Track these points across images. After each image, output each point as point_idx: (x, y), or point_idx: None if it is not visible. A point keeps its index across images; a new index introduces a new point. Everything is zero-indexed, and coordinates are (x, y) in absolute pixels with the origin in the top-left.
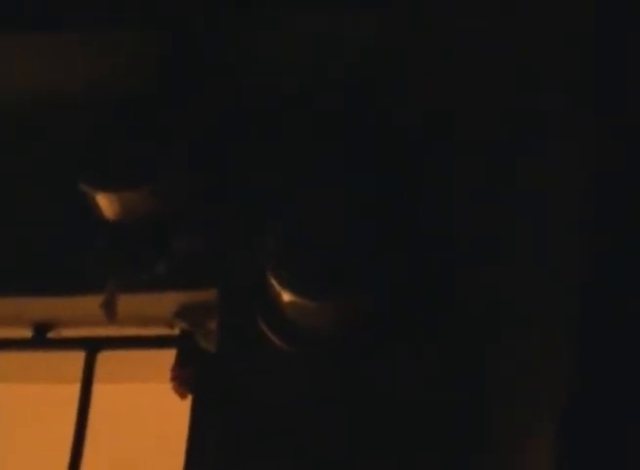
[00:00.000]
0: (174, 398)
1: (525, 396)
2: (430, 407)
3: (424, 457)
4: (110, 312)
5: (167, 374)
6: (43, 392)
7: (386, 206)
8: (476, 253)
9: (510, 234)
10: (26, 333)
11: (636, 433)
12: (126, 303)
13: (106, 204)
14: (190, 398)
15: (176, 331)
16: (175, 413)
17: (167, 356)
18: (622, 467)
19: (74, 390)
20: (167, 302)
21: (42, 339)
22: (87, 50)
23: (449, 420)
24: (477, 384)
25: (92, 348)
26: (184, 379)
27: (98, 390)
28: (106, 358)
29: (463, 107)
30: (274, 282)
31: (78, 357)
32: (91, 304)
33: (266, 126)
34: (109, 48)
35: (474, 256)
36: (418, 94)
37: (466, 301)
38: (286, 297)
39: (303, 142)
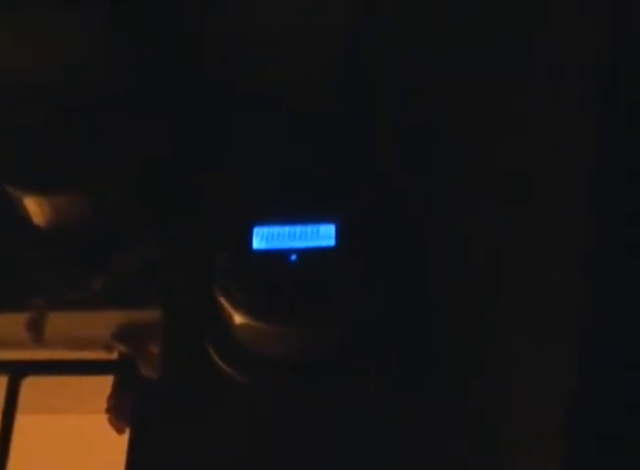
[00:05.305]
0: (110, 431)
1: (525, 396)
2: (429, 408)
3: (423, 457)
4: (36, 333)
5: (103, 404)
6: None
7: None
8: (474, 253)
9: (510, 233)
10: None
11: (637, 433)
12: (56, 322)
13: (34, 208)
14: (128, 431)
15: (114, 355)
16: (111, 449)
17: (103, 384)
18: (623, 467)
19: None
20: (104, 322)
21: None
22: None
23: (449, 420)
24: (476, 384)
25: (16, 372)
26: (122, 410)
27: (22, 421)
28: (32, 385)
29: (463, 106)
30: (225, 302)
31: (0, 383)
32: (15, 322)
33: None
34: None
35: (473, 255)
36: (418, 94)
37: (464, 301)
38: (237, 319)
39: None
